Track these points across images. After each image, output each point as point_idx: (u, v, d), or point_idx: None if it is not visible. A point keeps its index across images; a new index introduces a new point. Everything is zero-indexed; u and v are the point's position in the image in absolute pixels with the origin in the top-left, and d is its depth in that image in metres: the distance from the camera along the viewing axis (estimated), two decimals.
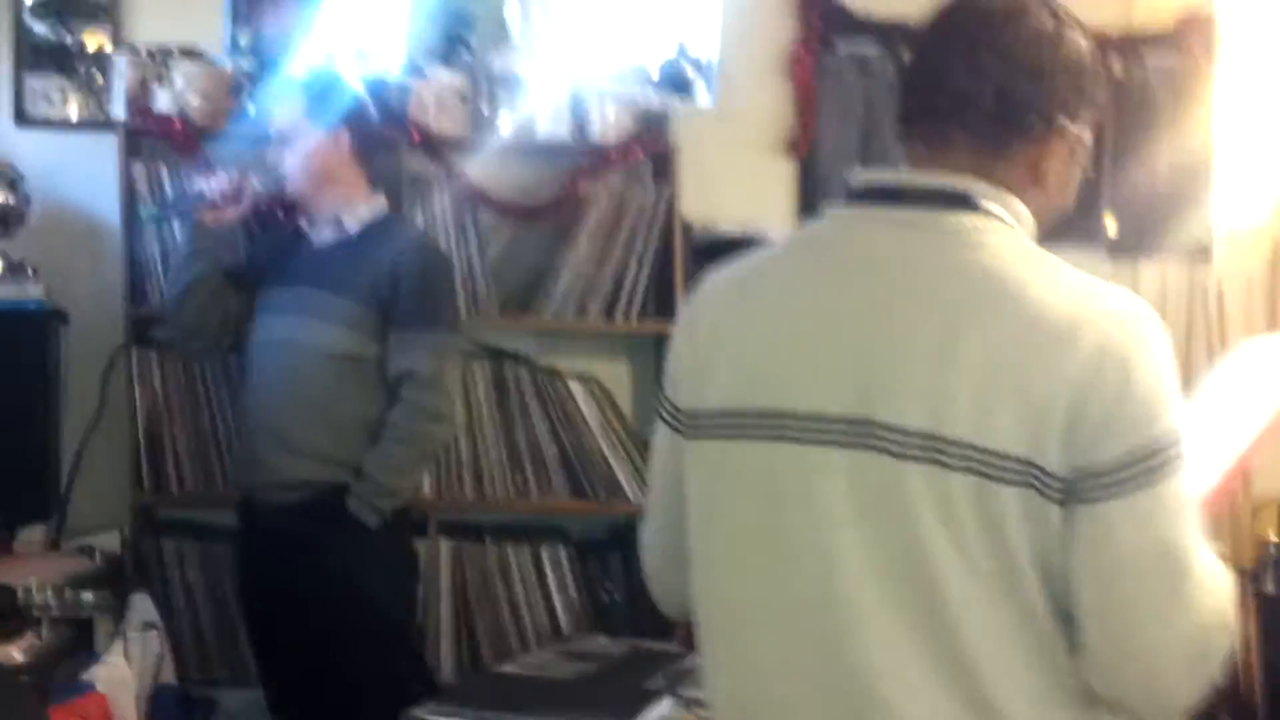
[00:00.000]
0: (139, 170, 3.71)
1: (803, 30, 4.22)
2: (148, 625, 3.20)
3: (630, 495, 3.88)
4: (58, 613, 2.86)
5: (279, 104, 3.41)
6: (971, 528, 1.41)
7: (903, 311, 1.48)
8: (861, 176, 1.60)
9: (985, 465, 1.40)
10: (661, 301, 3.91)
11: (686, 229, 3.95)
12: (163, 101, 3.72)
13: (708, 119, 4.14)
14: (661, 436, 1.72)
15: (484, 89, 3.84)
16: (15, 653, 2.55)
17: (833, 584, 1.47)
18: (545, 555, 3.87)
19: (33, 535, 3.62)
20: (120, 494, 3.80)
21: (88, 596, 3.01)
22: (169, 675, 3.30)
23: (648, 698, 2.60)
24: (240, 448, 3.52)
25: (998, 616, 1.42)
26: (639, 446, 3.93)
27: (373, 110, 3.47)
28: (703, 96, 4.20)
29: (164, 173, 3.71)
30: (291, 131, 3.34)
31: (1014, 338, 1.42)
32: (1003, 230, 1.51)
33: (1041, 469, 1.39)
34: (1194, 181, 4.36)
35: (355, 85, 3.49)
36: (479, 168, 3.80)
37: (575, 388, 3.93)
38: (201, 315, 3.44)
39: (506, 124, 3.86)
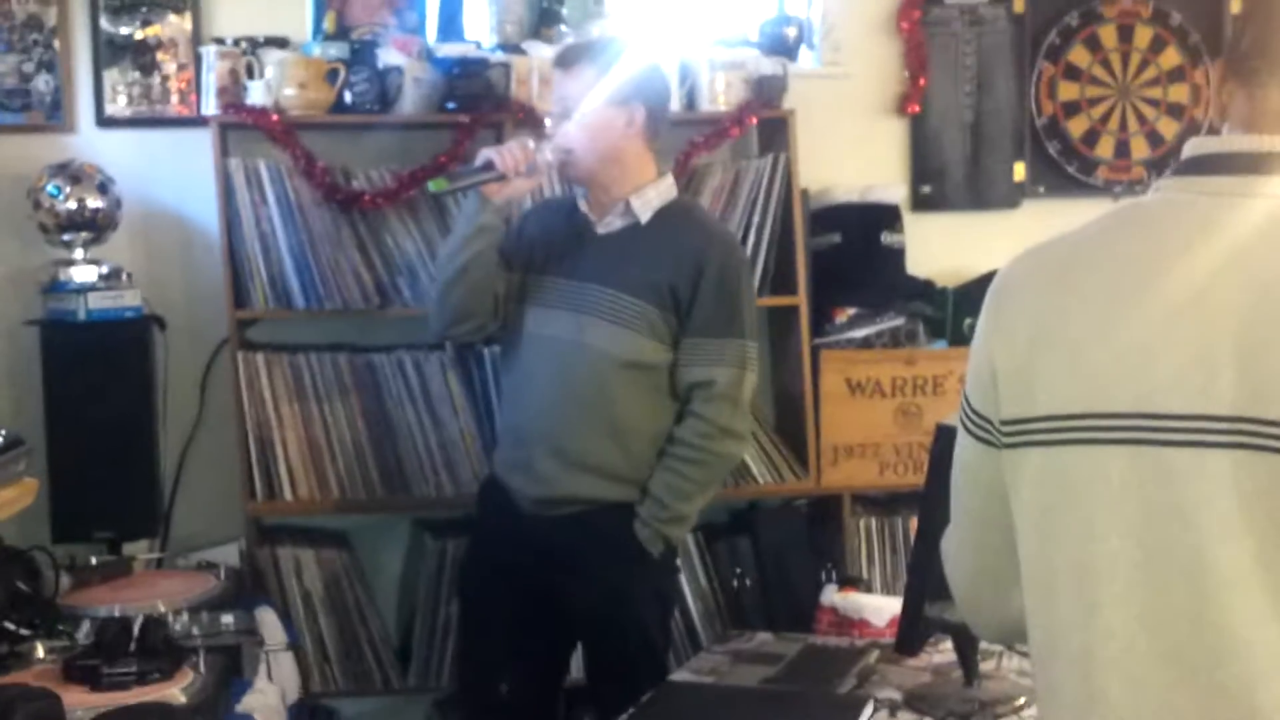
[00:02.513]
0: (235, 165, 3.54)
1: None
2: (287, 645, 3.09)
3: (757, 477, 3.74)
4: (206, 642, 2.74)
5: (563, 74, 3.07)
6: None
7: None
8: (1201, 144, 1.44)
9: None
10: (783, 272, 3.75)
11: (803, 197, 3.78)
12: (255, 94, 3.55)
13: (815, 81, 3.97)
14: (968, 451, 1.56)
15: None
16: (178, 693, 2.41)
17: (1219, 604, 1.31)
18: None
19: (138, 551, 3.51)
20: (228, 504, 3.68)
21: (229, 620, 2.91)
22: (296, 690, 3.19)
23: (853, 705, 2.47)
24: (505, 448, 3.19)
25: None
26: (763, 425, 3.78)
27: (666, 81, 3.19)
28: (805, 58, 4.04)
29: (261, 167, 3.55)
30: (582, 104, 3.00)
31: None
32: None
33: None
34: None
35: (651, 58, 3.15)
36: None
37: None
38: (474, 297, 3.10)
39: None
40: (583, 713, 3.31)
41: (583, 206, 3.12)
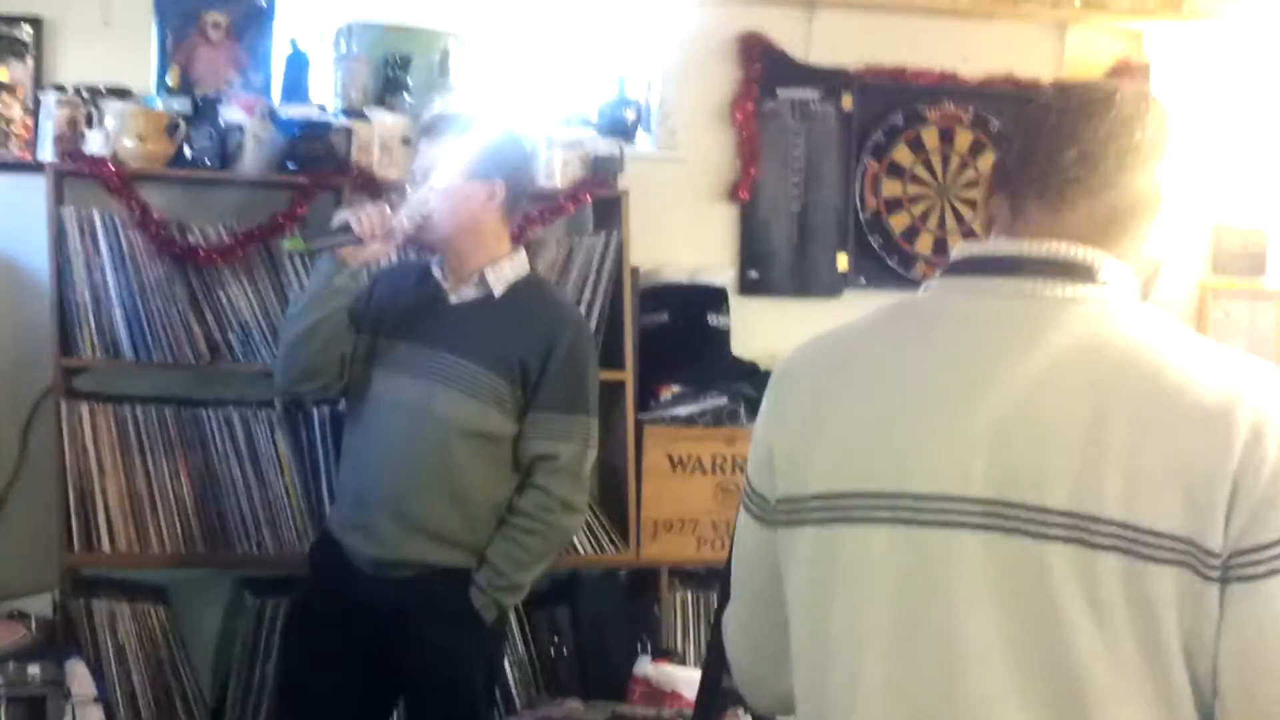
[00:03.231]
0: (69, 214, 3.54)
1: (744, 76, 4.20)
2: (95, 699, 3.07)
3: (578, 547, 3.81)
4: (11, 692, 2.72)
5: (427, 143, 3.14)
6: (1119, 611, 1.37)
7: (1036, 388, 1.43)
8: (968, 248, 1.57)
9: (1137, 544, 1.36)
10: (611, 348, 3.84)
11: (634, 275, 3.89)
12: (94, 143, 3.56)
13: (651, 164, 4.10)
14: (747, 529, 1.66)
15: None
16: None
17: (963, 675, 1.41)
18: None
19: None
20: (45, 553, 3.64)
21: (35, 671, 2.89)
22: None
23: None
24: (344, 507, 3.21)
25: (1138, 706, 1.38)
26: (590, 497, 3.86)
27: (529, 159, 3.27)
28: (642, 141, 4.17)
29: (95, 216, 3.55)
30: (444, 174, 3.05)
31: (1165, 418, 1.39)
32: (1124, 300, 1.49)
33: (1201, 547, 1.36)
34: None
35: (517, 136, 3.25)
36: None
37: None
38: (321, 356, 3.11)
39: None
40: None
41: (436, 273, 3.18)
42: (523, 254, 3.20)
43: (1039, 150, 1.53)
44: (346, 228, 3.04)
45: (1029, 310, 1.48)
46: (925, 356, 1.51)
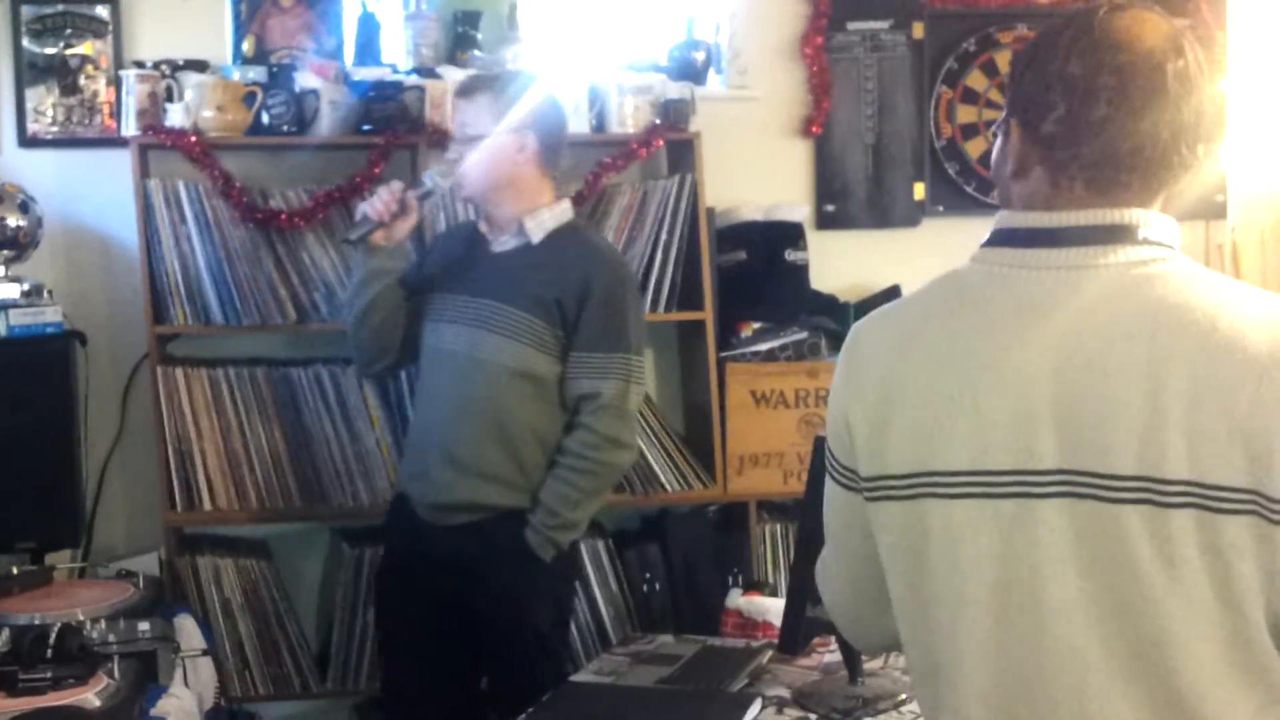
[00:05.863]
0: (154, 186, 3.63)
1: (813, 11, 4.18)
2: (203, 651, 3.17)
3: (666, 485, 3.86)
4: (122, 649, 2.82)
5: (464, 103, 3.23)
6: (1194, 562, 1.41)
7: (1093, 358, 1.46)
8: (1009, 219, 1.58)
9: (1206, 499, 1.40)
10: (690, 289, 3.88)
11: (710, 215, 3.91)
12: (175, 116, 3.64)
13: (722, 104, 4.11)
14: (838, 494, 1.71)
15: None
16: (92, 697, 2.50)
17: (1049, 630, 1.47)
18: (584, 550, 3.83)
19: (60, 560, 3.58)
20: (148, 514, 3.78)
21: (145, 628, 2.99)
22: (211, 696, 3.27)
23: (741, 703, 2.59)
24: (408, 459, 3.37)
25: (1215, 649, 1.42)
26: (672, 435, 3.91)
27: (561, 113, 3.32)
28: (713, 81, 4.18)
29: (180, 187, 3.64)
30: (476, 130, 3.17)
31: (1219, 375, 1.41)
32: (1167, 255, 1.50)
33: (1265, 496, 1.39)
34: None
35: (547, 90, 3.29)
36: None
37: None
38: (382, 338, 3.29)
39: None
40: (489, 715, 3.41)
41: (482, 228, 3.27)
42: (566, 204, 3.27)
43: (1093, 142, 1.51)
44: (366, 217, 3.21)
45: (1077, 280, 1.50)
46: (984, 337, 1.54)
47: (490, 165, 3.16)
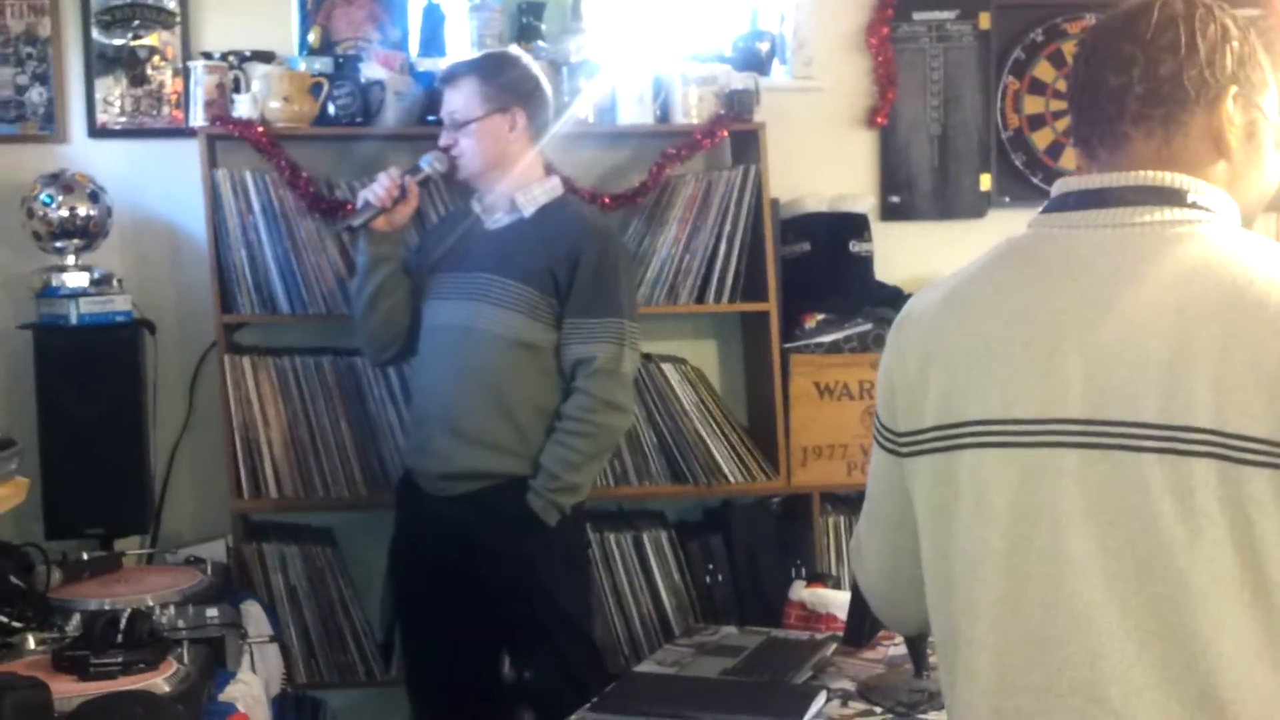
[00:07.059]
0: (222, 175, 3.66)
1: (878, 1, 4.16)
2: (270, 638, 3.20)
3: (729, 476, 3.85)
4: (191, 634, 2.84)
5: (449, 90, 3.35)
6: (1215, 516, 1.40)
7: (1126, 309, 1.48)
8: (1064, 183, 1.62)
9: (1229, 449, 1.40)
10: (754, 280, 3.86)
11: (774, 206, 3.90)
12: (242, 106, 3.67)
13: (787, 94, 4.09)
14: (880, 461, 1.73)
15: (563, 76, 3.77)
16: (161, 682, 2.52)
17: (1065, 584, 1.47)
18: (647, 540, 3.84)
19: (129, 547, 3.63)
20: (216, 501, 3.81)
21: (213, 614, 3.01)
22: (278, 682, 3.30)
23: (806, 695, 2.58)
24: (412, 434, 3.49)
25: (1235, 608, 1.41)
26: (735, 427, 3.90)
27: (547, 88, 3.41)
28: (777, 72, 4.16)
29: (247, 177, 3.66)
30: (465, 114, 3.29)
31: (1251, 328, 1.41)
32: (1210, 219, 1.52)
33: None
34: None
35: (529, 64, 3.42)
36: (562, 155, 3.71)
37: (669, 371, 3.87)
38: (391, 324, 3.43)
39: (587, 110, 3.79)
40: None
41: (476, 208, 3.39)
42: (556, 180, 3.39)
43: (1080, 99, 1.63)
44: (368, 204, 3.32)
45: (1119, 237, 1.53)
46: (1023, 289, 1.57)
47: (484, 146, 3.28)
